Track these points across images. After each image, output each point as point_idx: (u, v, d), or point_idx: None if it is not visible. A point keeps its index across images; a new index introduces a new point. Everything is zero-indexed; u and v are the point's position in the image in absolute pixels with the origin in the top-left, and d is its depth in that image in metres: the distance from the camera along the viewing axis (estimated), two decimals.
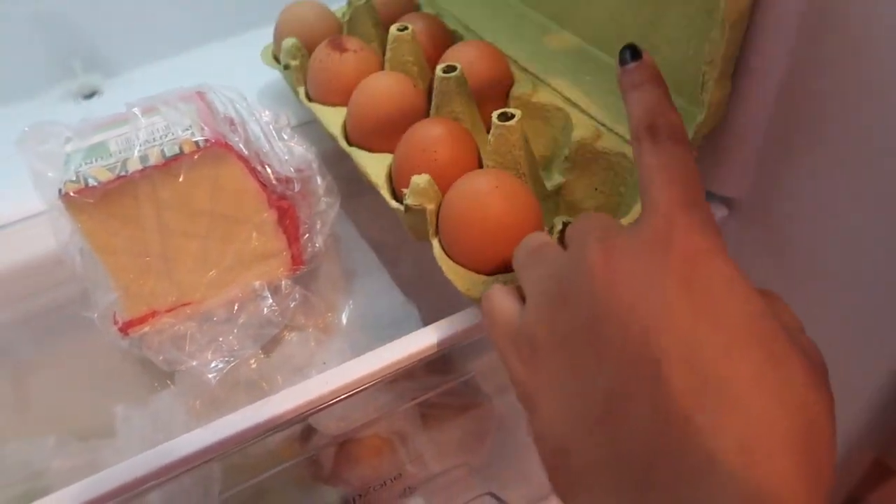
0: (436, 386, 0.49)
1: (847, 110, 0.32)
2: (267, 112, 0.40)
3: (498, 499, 0.51)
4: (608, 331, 0.20)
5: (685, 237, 0.21)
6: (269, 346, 0.44)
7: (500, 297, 0.26)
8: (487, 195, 0.32)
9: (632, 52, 0.26)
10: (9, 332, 0.48)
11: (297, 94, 0.45)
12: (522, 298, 0.25)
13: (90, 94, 0.57)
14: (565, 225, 0.33)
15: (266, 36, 0.50)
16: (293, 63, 0.45)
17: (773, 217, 0.39)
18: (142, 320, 0.36)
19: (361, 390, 0.35)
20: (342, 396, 0.35)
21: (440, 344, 0.35)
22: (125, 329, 0.36)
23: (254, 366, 0.43)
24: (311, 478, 0.52)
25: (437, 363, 0.51)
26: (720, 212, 0.41)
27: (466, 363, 0.53)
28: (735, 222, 0.41)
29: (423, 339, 0.35)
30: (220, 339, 0.35)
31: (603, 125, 0.37)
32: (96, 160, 0.33)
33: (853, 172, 0.33)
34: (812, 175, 0.36)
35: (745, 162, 0.38)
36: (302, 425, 0.47)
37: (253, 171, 0.35)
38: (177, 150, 0.33)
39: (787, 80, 0.34)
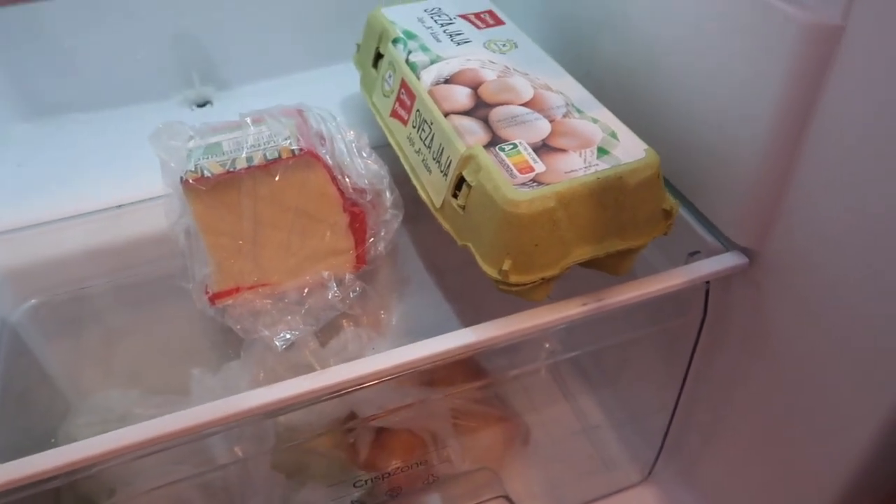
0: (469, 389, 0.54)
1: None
2: (351, 132, 0.47)
3: (512, 503, 0.55)
4: None
5: None
6: (327, 337, 0.50)
7: None
8: None
9: None
10: (112, 297, 0.56)
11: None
12: None
13: (203, 104, 0.65)
14: None
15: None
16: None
17: (794, 271, 0.42)
18: (228, 293, 0.43)
19: (399, 375, 0.41)
20: (383, 378, 0.40)
21: (472, 345, 0.40)
22: (213, 299, 0.42)
23: (313, 350, 0.50)
24: (348, 462, 0.57)
25: (474, 371, 0.56)
26: (740, 260, 0.45)
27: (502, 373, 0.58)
28: (756, 273, 0.45)
29: (458, 338, 0.40)
30: (290, 316, 0.42)
31: None
32: (212, 157, 0.40)
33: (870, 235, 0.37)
34: (828, 237, 0.39)
35: (762, 215, 0.43)
36: (345, 411, 0.53)
37: (335, 179, 0.41)
38: (276, 154, 0.40)
39: (812, 140, 0.38)
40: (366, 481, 0.52)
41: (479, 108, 0.45)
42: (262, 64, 0.67)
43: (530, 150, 0.41)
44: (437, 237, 0.50)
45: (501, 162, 0.40)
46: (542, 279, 0.40)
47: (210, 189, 0.39)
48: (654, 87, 0.48)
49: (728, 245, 0.46)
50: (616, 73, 0.51)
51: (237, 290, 0.42)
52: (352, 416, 0.56)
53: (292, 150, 0.40)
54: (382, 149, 0.54)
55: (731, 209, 0.45)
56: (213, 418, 0.38)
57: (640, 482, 0.60)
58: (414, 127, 0.48)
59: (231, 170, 0.39)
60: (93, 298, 0.55)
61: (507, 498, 0.56)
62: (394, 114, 0.51)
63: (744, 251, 0.45)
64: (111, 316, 0.57)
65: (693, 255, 0.47)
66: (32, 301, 0.53)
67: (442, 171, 0.43)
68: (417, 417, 0.56)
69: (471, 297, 0.50)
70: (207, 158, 0.40)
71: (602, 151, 0.41)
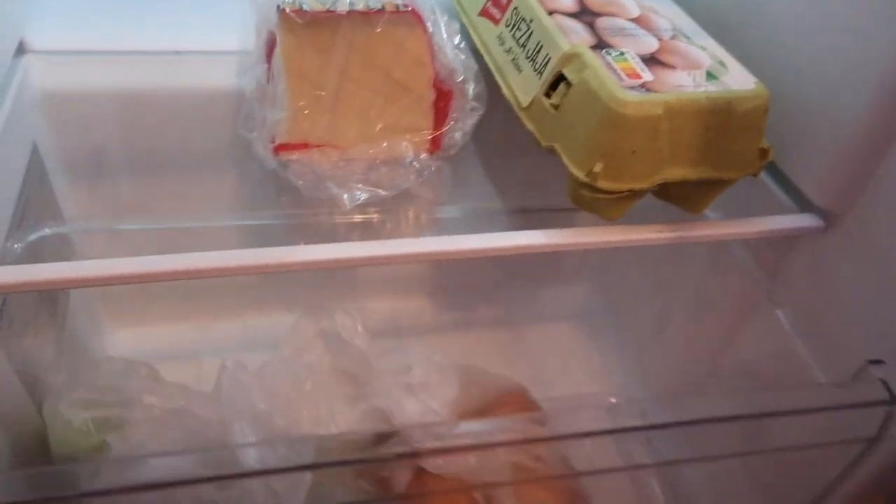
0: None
1: None
2: (445, 16, 0.45)
3: None
4: None
5: None
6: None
7: None
8: None
9: None
10: (146, 157, 0.52)
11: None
12: None
13: None
14: None
15: None
16: None
17: (872, 237, 0.41)
18: (295, 147, 0.40)
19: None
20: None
21: (540, 247, 0.39)
22: (278, 149, 0.40)
23: None
24: (378, 495, 0.48)
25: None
26: (816, 222, 0.43)
27: None
28: (833, 237, 0.44)
29: (527, 237, 0.38)
30: (357, 182, 0.39)
31: None
32: None
33: None
34: None
35: (844, 175, 0.41)
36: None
37: (432, 48, 0.39)
38: (379, 5, 0.37)
39: None
40: None
41: (585, 14, 0.43)
42: None
43: (638, 60, 0.40)
44: (513, 144, 0.47)
45: (608, 64, 0.39)
46: (630, 191, 0.38)
47: (306, 24, 0.36)
48: (757, 31, 0.46)
49: (803, 208, 0.45)
50: (719, 9, 0.49)
51: (305, 145, 0.40)
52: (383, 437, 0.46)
53: (396, 5, 0.38)
54: None
55: (818, 168, 0.43)
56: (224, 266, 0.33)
57: None
58: (507, 26, 0.45)
59: (331, 9, 0.36)
60: (126, 151, 0.52)
61: None
62: (484, 12, 0.48)
63: (819, 214, 0.44)
64: (142, 178, 0.53)
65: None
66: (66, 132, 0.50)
67: (536, 70, 0.42)
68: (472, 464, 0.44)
69: (531, 214, 0.48)
70: None
71: (711, 76, 0.40)
